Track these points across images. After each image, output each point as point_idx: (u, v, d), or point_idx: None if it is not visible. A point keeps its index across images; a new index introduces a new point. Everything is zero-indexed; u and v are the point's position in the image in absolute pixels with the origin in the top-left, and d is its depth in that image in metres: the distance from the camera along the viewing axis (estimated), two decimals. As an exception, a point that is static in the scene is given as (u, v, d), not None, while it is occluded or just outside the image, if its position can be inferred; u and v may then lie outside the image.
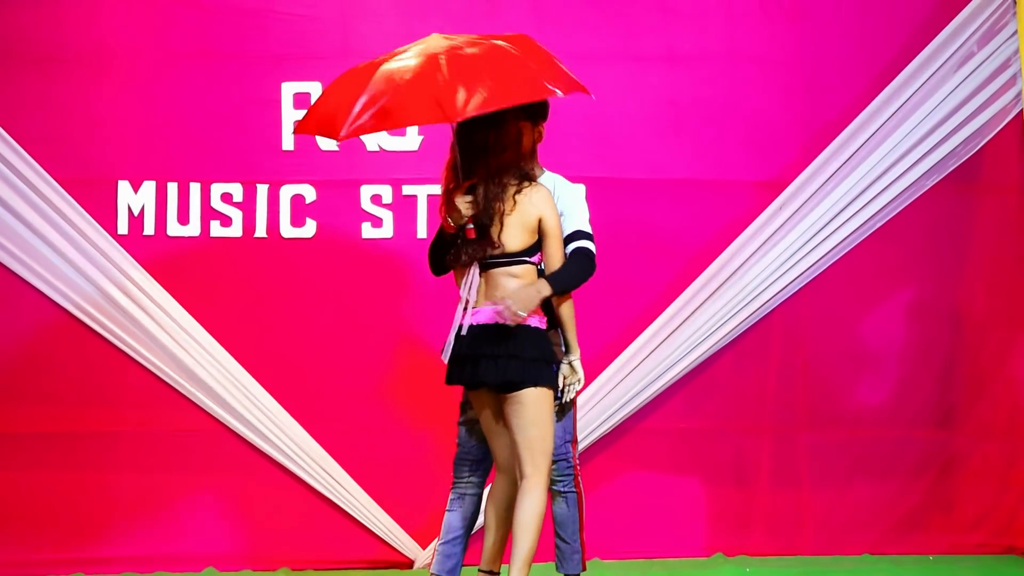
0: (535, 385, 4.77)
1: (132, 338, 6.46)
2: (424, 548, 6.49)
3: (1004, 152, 6.74)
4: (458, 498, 5.15)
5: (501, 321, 4.76)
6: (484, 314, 4.78)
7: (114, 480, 6.51)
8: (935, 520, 6.84)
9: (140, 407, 6.51)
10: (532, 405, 4.77)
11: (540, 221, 4.79)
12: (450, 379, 4.90)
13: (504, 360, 4.74)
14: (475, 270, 4.82)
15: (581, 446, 6.47)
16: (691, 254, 6.69)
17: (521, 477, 4.80)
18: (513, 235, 4.78)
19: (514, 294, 4.77)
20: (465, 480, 5.14)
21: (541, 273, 4.86)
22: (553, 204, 4.84)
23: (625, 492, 6.71)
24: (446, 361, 4.82)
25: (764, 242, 6.66)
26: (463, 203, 4.78)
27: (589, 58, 6.54)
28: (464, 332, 4.76)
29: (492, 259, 4.80)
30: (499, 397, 4.82)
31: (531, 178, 4.83)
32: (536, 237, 4.82)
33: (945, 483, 6.84)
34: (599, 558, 6.54)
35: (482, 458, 5.13)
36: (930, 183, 6.72)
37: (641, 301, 6.67)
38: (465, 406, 5.13)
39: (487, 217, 4.76)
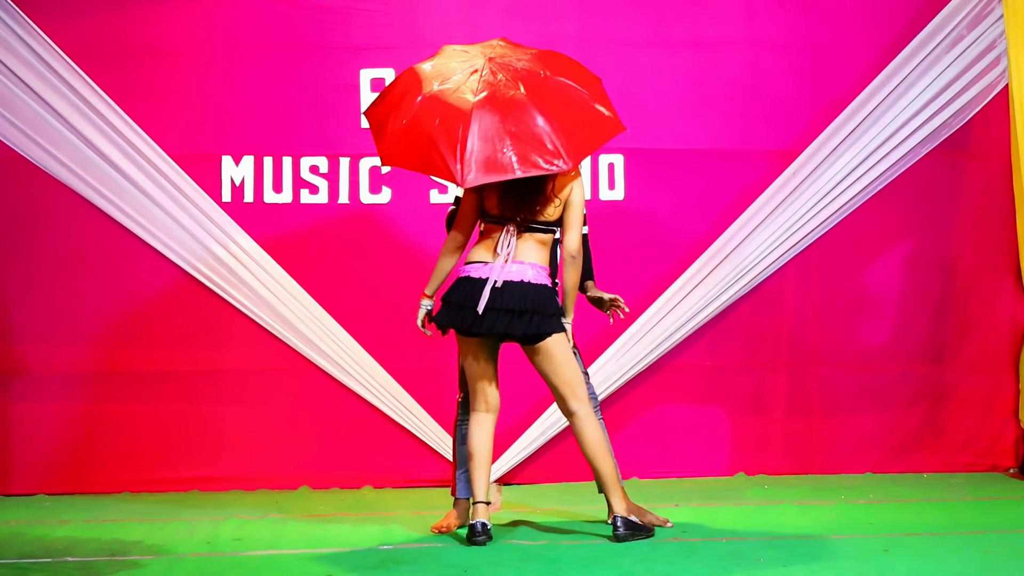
0: (558, 332, 4.88)
1: (235, 290, 6.54)
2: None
3: (990, 123, 6.70)
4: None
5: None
6: (516, 271, 4.87)
7: (220, 412, 6.64)
8: (929, 443, 6.81)
9: (242, 349, 6.60)
10: (559, 347, 4.87)
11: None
12: (451, 325, 4.86)
13: (529, 315, 4.81)
14: (512, 232, 4.94)
15: (620, 382, 6.56)
16: (716, 214, 6.65)
17: (570, 413, 4.93)
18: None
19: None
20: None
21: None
22: None
23: (659, 421, 6.72)
24: (481, 311, 4.79)
25: (780, 203, 6.65)
26: None
27: (625, 44, 6.58)
28: (499, 285, 4.82)
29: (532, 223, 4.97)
30: (491, 345, 4.91)
31: None
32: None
33: (937, 411, 6.82)
34: (637, 477, 6.57)
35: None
36: (925, 151, 6.72)
37: (672, 256, 6.65)
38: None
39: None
